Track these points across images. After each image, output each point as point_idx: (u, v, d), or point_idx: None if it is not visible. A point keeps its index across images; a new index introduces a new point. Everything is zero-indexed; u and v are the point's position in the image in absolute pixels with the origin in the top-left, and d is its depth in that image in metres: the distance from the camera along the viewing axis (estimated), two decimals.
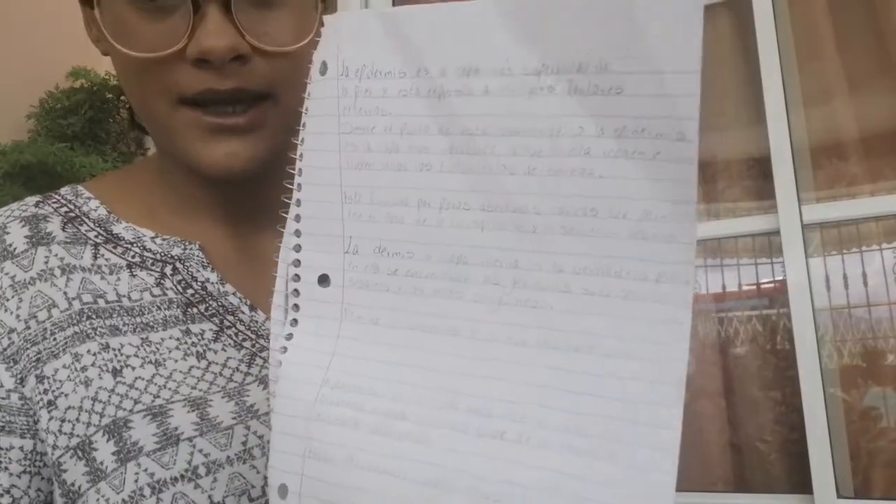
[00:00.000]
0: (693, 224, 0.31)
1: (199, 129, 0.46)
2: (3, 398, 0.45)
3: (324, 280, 0.39)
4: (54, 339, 0.46)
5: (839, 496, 1.11)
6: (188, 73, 0.44)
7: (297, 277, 0.40)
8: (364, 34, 0.38)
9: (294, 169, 0.39)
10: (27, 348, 0.46)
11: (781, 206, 1.22)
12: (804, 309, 1.17)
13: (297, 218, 0.39)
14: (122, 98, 1.93)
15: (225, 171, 0.47)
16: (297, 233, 0.39)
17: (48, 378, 0.45)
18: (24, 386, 0.46)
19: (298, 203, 0.39)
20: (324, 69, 0.39)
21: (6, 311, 0.47)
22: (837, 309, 1.26)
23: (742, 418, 1.31)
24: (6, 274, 0.47)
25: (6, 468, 0.45)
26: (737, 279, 1.37)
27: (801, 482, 1.17)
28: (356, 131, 0.38)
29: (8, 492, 0.45)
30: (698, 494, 1.26)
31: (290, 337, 0.39)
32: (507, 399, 0.34)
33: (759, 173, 1.36)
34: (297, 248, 0.40)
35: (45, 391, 0.45)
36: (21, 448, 0.46)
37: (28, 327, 0.46)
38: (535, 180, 0.34)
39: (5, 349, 0.46)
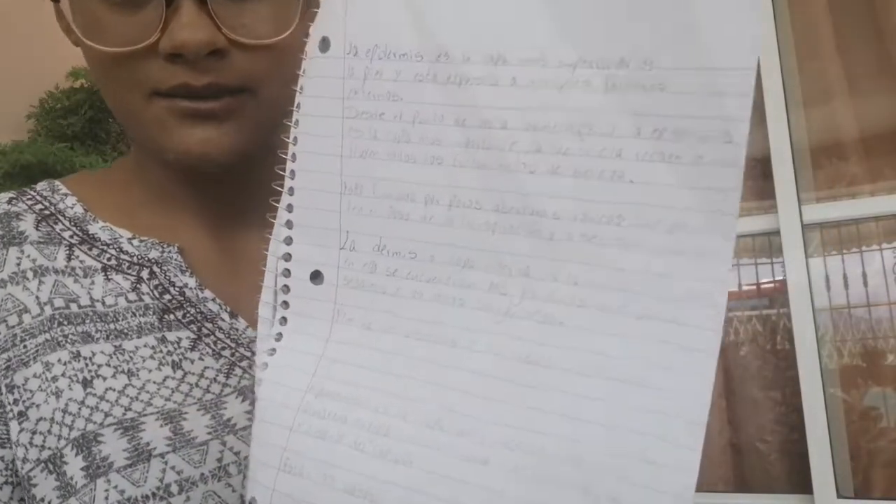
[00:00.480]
0: (732, 240, 0.28)
1: (174, 116, 0.44)
2: None
3: (316, 276, 0.36)
4: (24, 347, 0.44)
5: (839, 496, 1.11)
6: (161, 67, 0.42)
7: (287, 272, 0.37)
8: (378, 8, 0.34)
9: (286, 154, 0.36)
10: None
11: (781, 206, 1.22)
12: (804, 309, 1.17)
13: (290, 208, 0.36)
14: None
15: (199, 158, 0.44)
16: (289, 224, 0.36)
17: (18, 388, 0.43)
18: None
19: (291, 191, 0.36)
20: (325, 46, 0.36)
21: None
22: (837, 309, 1.26)
23: (742, 418, 1.31)
24: None
25: None
26: (737, 279, 1.37)
27: (801, 482, 1.17)
28: (362, 116, 0.35)
29: None
30: (698, 494, 1.25)
31: (279, 337, 0.37)
32: (502, 422, 0.31)
33: (759, 173, 1.36)
34: (289, 241, 0.36)
35: (16, 401, 0.43)
36: (2, 458, 0.44)
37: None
38: (558, 181, 0.31)
39: None
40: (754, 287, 1.36)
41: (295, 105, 0.37)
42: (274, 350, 0.37)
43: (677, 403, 0.28)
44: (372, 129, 0.35)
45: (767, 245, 1.31)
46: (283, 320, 0.37)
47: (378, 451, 0.33)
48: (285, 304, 0.37)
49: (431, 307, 0.33)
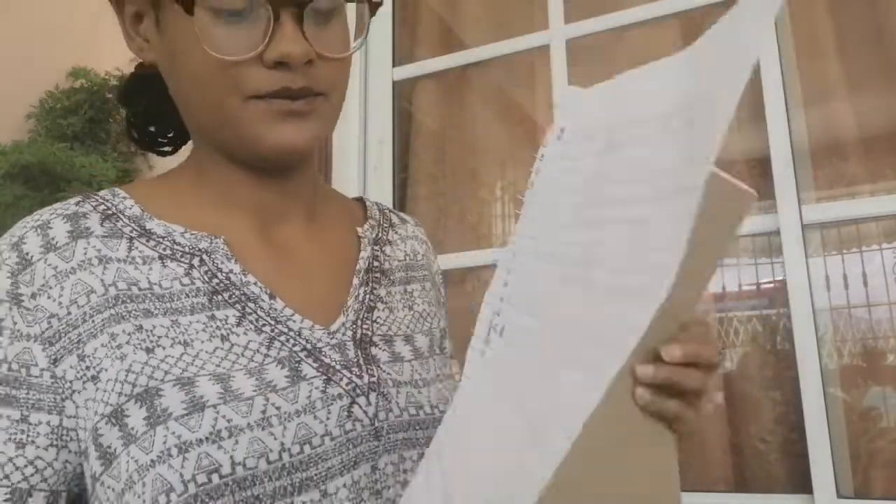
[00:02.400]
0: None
1: (271, 115, 0.54)
2: (36, 377, 0.51)
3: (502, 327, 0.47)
4: (93, 322, 0.52)
5: (839, 496, 1.11)
6: (264, 74, 0.53)
7: (498, 313, 0.48)
8: (589, 105, 0.44)
9: (510, 201, 0.50)
10: (68, 332, 0.51)
11: (781, 206, 1.22)
12: (804, 309, 1.17)
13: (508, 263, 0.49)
14: None
15: (290, 147, 0.55)
16: (508, 270, 0.47)
17: (88, 356, 0.51)
18: (57, 366, 0.51)
19: (512, 249, 0.47)
20: (560, 134, 0.45)
21: (49, 298, 0.52)
22: (837, 309, 1.26)
23: (742, 418, 1.31)
24: (49, 265, 0.53)
25: (33, 441, 0.50)
26: (737, 279, 1.37)
27: (801, 482, 1.17)
28: (576, 192, 0.43)
29: (32, 463, 0.50)
30: (698, 494, 1.26)
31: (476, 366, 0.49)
32: None
33: (759, 173, 1.36)
34: (506, 284, 0.47)
35: (88, 368, 0.51)
36: (48, 423, 0.51)
37: (69, 313, 0.52)
38: None
39: (44, 332, 0.51)
40: (754, 287, 1.36)
41: (530, 182, 0.47)
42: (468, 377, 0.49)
43: None
44: (586, 202, 0.44)
45: (767, 245, 1.31)
46: (482, 353, 0.49)
47: None
48: (488, 340, 0.49)
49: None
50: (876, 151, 1.31)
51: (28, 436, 0.50)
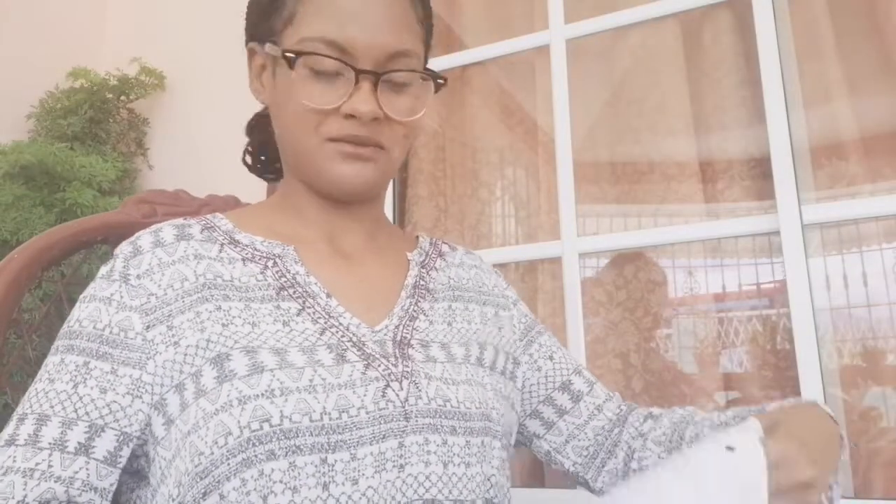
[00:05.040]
0: None
1: (339, 155, 0.69)
2: (130, 339, 0.64)
3: None
4: (183, 301, 0.66)
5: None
6: (340, 122, 0.68)
7: None
8: None
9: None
10: (162, 307, 0.65)
11: (781, 206, 1.22)
12: (804, 309, 1.17)
13: None
14: (122, 98, 1.93)
15: (351, 185, 0.70)
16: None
17: (175, 327, 0.64)
18: (148, 332, 0.64)
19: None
20: (730, 449, 0.55)
21: (152, 280, 0.66)
22: (837, 309, 1.26)
23: None
24: (155, 256, 0.68)
25: (114, 389, 0.63)
26: (737, 279, 1.37)
27: None
28: None
29: (108, 405, 0.63)
30: None
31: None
32: None
33: (759, 173, 1.36)
34: None
35: (173, 336, 0.64)
36: (131, 376, 0.63)
37: (165, 293, 0.66)
38: None
39: (143, 304, 0.65)
40: (754, 287, 1.36)
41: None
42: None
43: None
44: None
45: (767, 245, 1.31)
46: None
47: None
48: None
49: None
50: (876, 151, 1.31)
51: (112, 384, 0.63)
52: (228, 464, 0.58)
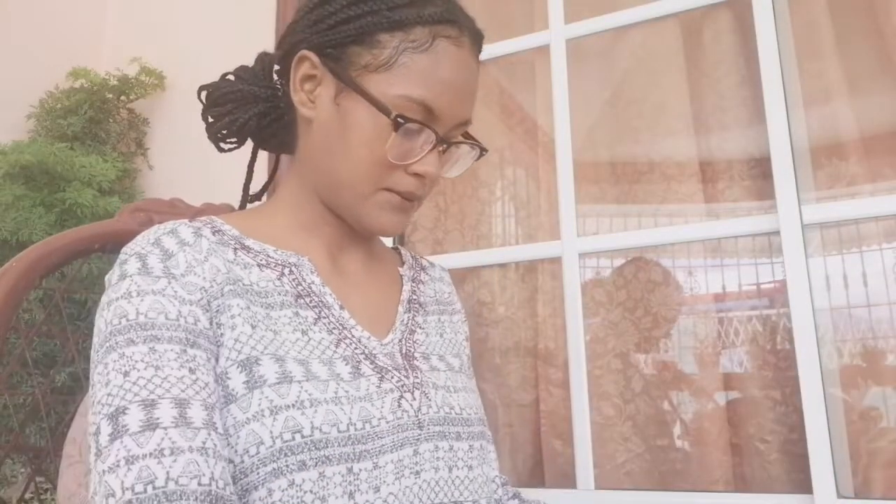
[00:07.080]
0: None
1: (388, 205, 0.72)
2: (203, 330, 0.65)
3: None
4: (223, 294, 0.67)
5: (839, 496, 1.11)
6: (406, 178, 0.71)
7: None
8: None
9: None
10: (212, 301, 0.67)
11: (781, 206, 1.22)
12: (804, 309, 1.17)
13: None
14: (122, 98, 1.93)
15: (388, 232, 0.74)
16: None
17: (223, 324, 0.66)
18: (211, 325, 0.66)
19: None
20: None
21: (197, 276, 0.67)
22: (837, 309, 1.26)
23: (742, 418, 1.31)
24: (186, 254, 0.68)
25: (199, 367, 0.63)
26: (737, 279, 1.37)
27: (801, 482, 1.17)
28: None
29: (196, 382, 0.62)
30: (698, 494, 1.26)
31: None
32: None
33: (759, 173, 1.36)
34: None
35: (221, 333, 0.65)
36: (206, 357, 0.64)
37: (211, 286, 0.67)
38: None
39: (200, 300, 0.66)
40: (754, 287, 1.36)
41: None
42: None
43: None
44: None
45: (767, 245, 1.31)
46: None
47: None
48: None
49: None
50: (876, 151, 1.31)
51: (199, 364, 0.63)
52: (258, 473, 0.60)
